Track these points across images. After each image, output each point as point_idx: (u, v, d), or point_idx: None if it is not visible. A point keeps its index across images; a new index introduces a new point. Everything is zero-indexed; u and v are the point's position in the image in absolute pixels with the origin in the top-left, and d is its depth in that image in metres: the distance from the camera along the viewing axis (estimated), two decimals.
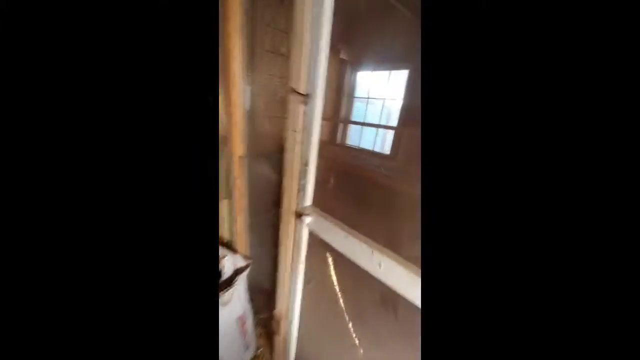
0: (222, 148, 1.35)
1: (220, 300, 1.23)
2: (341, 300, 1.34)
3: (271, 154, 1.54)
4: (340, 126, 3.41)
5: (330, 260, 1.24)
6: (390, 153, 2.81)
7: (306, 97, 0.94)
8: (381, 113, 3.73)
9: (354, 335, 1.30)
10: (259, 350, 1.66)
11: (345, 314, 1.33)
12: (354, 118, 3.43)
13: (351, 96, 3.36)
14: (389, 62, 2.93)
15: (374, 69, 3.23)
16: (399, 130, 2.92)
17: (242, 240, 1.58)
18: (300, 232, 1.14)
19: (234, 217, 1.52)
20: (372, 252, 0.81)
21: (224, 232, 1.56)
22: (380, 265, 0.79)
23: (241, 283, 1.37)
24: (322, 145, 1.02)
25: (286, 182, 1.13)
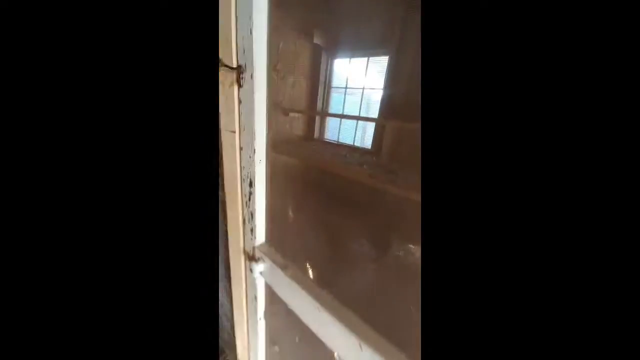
0: None
1: None
2: None
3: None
4: (317, 120, 3.03)
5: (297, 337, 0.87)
6: (372, 147, 2.51)
7: (240, 72, 0.56)
8: (361, 104, 3.42)
9: None
10: None
11: None
12: (331, 110, 3.08)
13: (328, 86, 3.00)
14: (368, 47, 2.61)
15: (352, 56, 2.90)
16: (381, 123, 2.61)
17: None
18: (252, 283, 0.77)
19: None
20: (359, 344, 0.45)
21: None
22: (361, 348, 0.45)
23: None
24: (286, 146, 0.63)
25: (229, 208, 0.75)
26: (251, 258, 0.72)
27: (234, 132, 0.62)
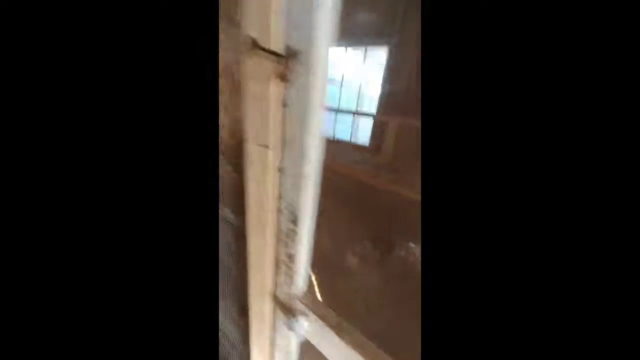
0: None
1: None
2: None
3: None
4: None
5: None
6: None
7: (288, 61, 0.37)
8: (358, 97, 3.30)
9: None
10: None
11: None
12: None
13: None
14: (366, 37, 2.44)
15: (348, 45, 2.72)
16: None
17: None
18: (284, 339, 0.60)
19: None
20: None
21: None
22: None
23: None
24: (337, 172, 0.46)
25: (251, 238, 0.56)
26: (286, 309, 0.55)
27: (267, 147, 0.43)
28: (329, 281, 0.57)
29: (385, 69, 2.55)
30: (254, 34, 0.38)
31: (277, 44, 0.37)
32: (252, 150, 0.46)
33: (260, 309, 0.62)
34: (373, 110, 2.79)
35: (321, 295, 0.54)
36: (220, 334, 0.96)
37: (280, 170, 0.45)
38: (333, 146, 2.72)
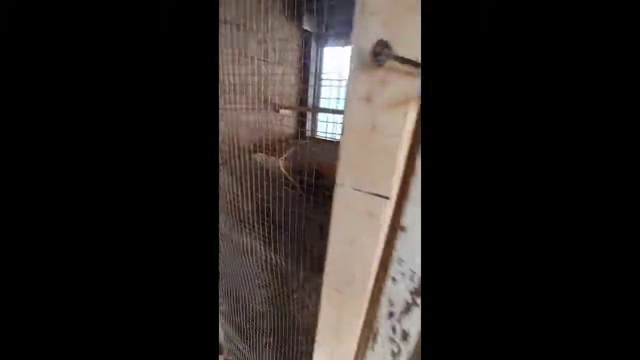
0: None
1: None
2: None
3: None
4: (309, 117, 2.62)
5: None
6: None
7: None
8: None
9: None
10: None
11: None
12: (322, 104, 2.74)
13: (318, 77, 2.64)
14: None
15: (346, 44, 2.58)
16: None
17: None
18: None
19: None
20: None
21: None
22: None
23: None
24: None
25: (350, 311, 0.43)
26: None
27: (388, 198, 0.30)
28: None
29: None
30: (386, 37, 0.26)
31: (417, 55, 0.25)
32: (357, 198, 0.34)
33: None
34: None
35: None
36: None
37: (402, 228, 0.32)
38: None
